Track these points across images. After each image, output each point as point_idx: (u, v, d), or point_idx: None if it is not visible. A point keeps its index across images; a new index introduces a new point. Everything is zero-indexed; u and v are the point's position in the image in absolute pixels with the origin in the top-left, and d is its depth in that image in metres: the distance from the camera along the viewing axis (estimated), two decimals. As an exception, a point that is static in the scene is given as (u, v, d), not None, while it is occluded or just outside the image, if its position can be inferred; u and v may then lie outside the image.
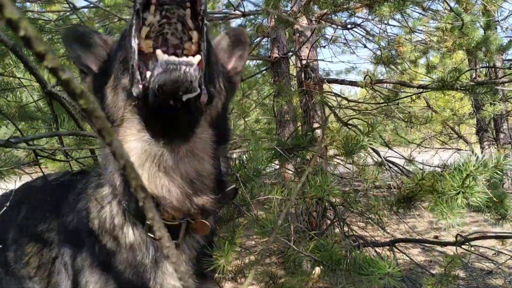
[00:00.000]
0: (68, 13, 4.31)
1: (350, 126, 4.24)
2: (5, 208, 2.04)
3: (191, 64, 1.15)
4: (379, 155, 3.62)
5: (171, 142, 1.37)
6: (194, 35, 1.29)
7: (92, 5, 4.26)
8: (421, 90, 4.69)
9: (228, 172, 1.74)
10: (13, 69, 3.79)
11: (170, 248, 0.47)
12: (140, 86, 1.20)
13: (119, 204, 1.60)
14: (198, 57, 1.21)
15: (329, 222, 5.07)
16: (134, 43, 1.21)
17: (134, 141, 1.38)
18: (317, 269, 3.92)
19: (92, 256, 1.62)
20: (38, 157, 2.40)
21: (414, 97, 5.13)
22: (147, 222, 1.50)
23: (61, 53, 4.20)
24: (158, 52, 1.19)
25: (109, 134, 0.45)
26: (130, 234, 1.58)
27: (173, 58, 1.16)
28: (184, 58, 1.16)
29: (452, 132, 7.04)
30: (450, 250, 4.41)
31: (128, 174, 0.45)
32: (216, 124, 1.49)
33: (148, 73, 1.18)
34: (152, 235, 1.52)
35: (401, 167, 4.41)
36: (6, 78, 3.75)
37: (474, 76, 7.80)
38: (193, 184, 1.46)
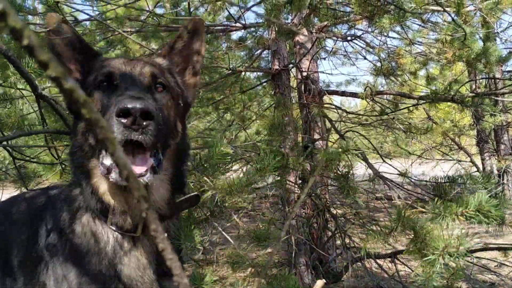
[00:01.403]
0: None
1: (346, 138, 4.23)
2: None
3: (143, 175, 1.49)
4: (372, 168, 3.60)
5: None
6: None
7: (93, 18, 4.28)
8: (419, 101, 4.69)
9: (185, 180, 1.98)
10: (14, 80, 3.80)
11: (173, 260, 0.46)
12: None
13: (91, 212, 1.77)
14: (150, 162, 1.53)
15: (330, 234, 5.05)
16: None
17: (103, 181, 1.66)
18: (319, 282, 3.90)
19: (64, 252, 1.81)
20: (16, 160, 2.45)
21: (412, 108, 5.13)
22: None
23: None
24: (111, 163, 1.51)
25: (112, 144, 0.44)
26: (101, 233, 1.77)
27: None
28: (137, 171, 1.49)
29: (452, 143, 7.04)
30: (453, 262, 4.36)
31: (132, 184, 0.45)
32: (175, 153, 1.79)
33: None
34: (119, 231, 1.71)
35: (391, 183, 4.38)
36: (7, 89, 3.76)
37: (474, 87, 7.83)
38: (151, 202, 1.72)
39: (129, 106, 1.39)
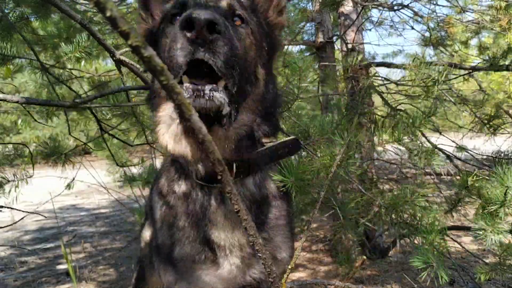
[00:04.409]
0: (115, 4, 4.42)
1: (398, 111, 4.12)
2: None
3: (215, 89, 1.27)
4: (429, 141, 3.51)
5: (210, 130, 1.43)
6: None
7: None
8: (471, 71, 4.49)
9: (276, 128, 1.78)
10: (64, 61, 3.94)
11: (248, 221, 0.48)
12: None
13: (181, 172, 1.75)
14: (222, 83, 1.31)
15: (376, 209, 5.00)
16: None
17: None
18: (363, 258, 3.89)
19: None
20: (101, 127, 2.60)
21: (466, 77, 4.91)
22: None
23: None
24: (184, 78, 1.29)
25: (188, 109, 0.46)
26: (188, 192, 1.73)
27: (196, 87, 1.25)
28: (208, 86, 1.26)
29: (506, 116, 6.69)
30: (505, 238, 4.23)
31: (206, 147, 0.47)
32: (259, 103, 1.60)
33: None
34: (203, 182, 1.64)
35: (451, 154, 4.27)
36: (57, 70, 3.90)
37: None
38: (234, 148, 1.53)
39: (193, 15, 1.19)
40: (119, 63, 2.48)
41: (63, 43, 3.33)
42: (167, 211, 1.79)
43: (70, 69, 4.05)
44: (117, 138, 3.26)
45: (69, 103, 2.16)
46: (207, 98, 1.24)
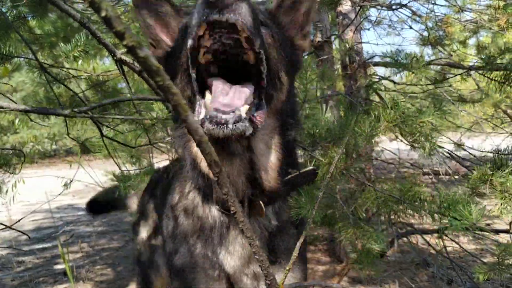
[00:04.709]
0: (112, 4, 4.41)
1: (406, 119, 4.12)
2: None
3: (239, 118, 1.24)
4: (430, 138, 3.51)
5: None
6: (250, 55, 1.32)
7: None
8: (469, 70, 4.49)
9: (295, 156, 1.77)
10: (62, 60, 3.92)
11: (244, 222, 0.47)
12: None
13: (198, 191, 1.69)
14: (245, 107, 1.28)
15: (375, 209, 4.99)
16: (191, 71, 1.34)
17: None
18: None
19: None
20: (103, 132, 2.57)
21: (463, 76, 4.91)
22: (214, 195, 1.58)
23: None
24: (207, 100, 1.31)
25: (184, 110, 0.46)
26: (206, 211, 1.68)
27: (219, 115, 1.23)
28: (231, 115, 1.23)
29: (504, 115, 6.70)
30: (504, 238, 4.24)
31: (203, 149, 0.46)
32: (279, 114, 1.55)
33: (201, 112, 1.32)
34: (222, 210, 1.58)
35: (452, 153, 4.27)
36: (55, 69, 3.88)
37: (528, 55, 7.38)
38: (252, 170, 1.50)
39: None
40: (120, 62, 2.46)
41: (61, 42, 3.32)
42: (179, 227, 1.76)
43: (68, 68, 4.04)
44: (117, 142, 3.25)
45: (68, 112, 2.12)
46: (231, 129, 1.23)
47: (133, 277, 4.82)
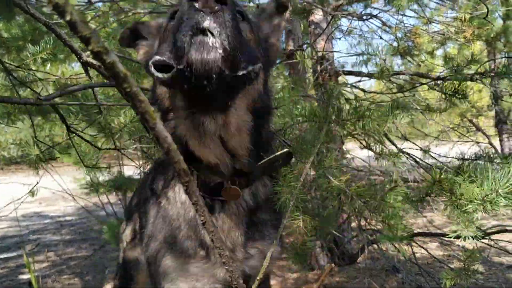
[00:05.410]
0: (83, 8, 4.34)
1: (365, 118, 4.18)
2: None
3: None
4: (395, 145, 3.58)
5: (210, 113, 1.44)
6: None
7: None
8: (438, 80, 4.62)
9: (270, 141, 1.88)
10: (29, 62, 3.82)
11: (214, 232, 0.47)
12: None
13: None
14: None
15: (345, 216, 5.05)
16: None
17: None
18: (328, 266, 3.91)
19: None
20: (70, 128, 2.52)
21: (430, 86, 5.05)
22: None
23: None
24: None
25: (152, 117, 0.45)
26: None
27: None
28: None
29: (470, 124, 6.93)
30: (469, 244, 4.35)
31: (171, 157, 0.45)
32: (254, 102, 1.57)
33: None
34: (205, 194, 1.65)
35: (417, 159, 4.36)
36: (22, 72, 3.77)
37: (493, 67, 7.67)
38: (229, 149, 1.56)
39: None
40: (86, 65, 2.42)
41: (29, 44, 3.23)
42: (162, 211, 1.84)
43: (35, 71, 3.93)
44: (85, 140, 3.19)
45: (33, 101, 2.10)
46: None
47: (102, 285, 4.72)
